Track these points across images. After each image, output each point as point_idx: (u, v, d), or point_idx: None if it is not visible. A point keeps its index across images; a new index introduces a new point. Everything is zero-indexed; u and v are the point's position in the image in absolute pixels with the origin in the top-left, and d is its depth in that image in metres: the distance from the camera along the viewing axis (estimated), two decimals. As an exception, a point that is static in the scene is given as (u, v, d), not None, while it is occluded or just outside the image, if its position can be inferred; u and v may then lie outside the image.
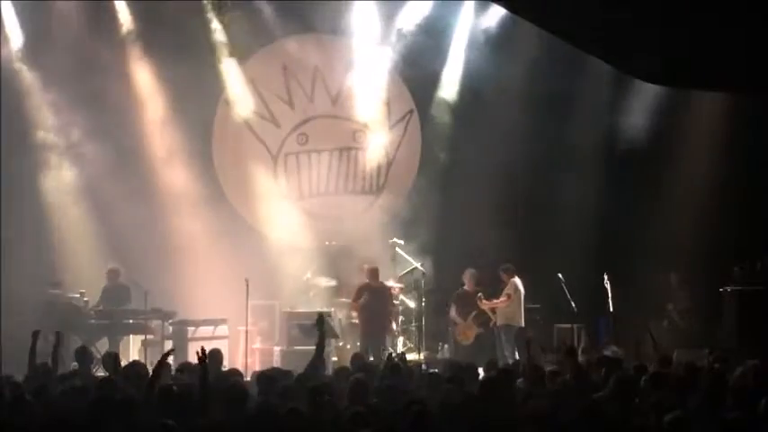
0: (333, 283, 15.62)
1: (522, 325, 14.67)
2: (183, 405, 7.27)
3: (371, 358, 13.23)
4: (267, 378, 8.60)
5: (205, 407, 7.36)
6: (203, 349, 7.86)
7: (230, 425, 7.07)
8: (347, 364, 10.78)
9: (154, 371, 8.15)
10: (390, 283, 15.43)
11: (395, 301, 15.42)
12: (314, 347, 9.87)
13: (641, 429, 7.00)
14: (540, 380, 8.97)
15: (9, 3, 15.17)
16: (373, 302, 14.47)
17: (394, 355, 11.08)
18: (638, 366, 9.57)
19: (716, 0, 11.82)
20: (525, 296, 14.90)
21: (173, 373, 9.42)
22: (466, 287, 15.14)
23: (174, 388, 7.73)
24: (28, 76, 15.21)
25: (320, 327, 9.92)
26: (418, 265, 15.61)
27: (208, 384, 7.63)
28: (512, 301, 14.68)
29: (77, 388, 8.05)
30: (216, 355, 10.15)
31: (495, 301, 14.83)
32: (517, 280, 14.76)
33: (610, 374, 8.91)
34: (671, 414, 6.67)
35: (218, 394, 7.68)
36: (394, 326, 14.98)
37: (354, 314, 14.87)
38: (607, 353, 13.41)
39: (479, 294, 14.91)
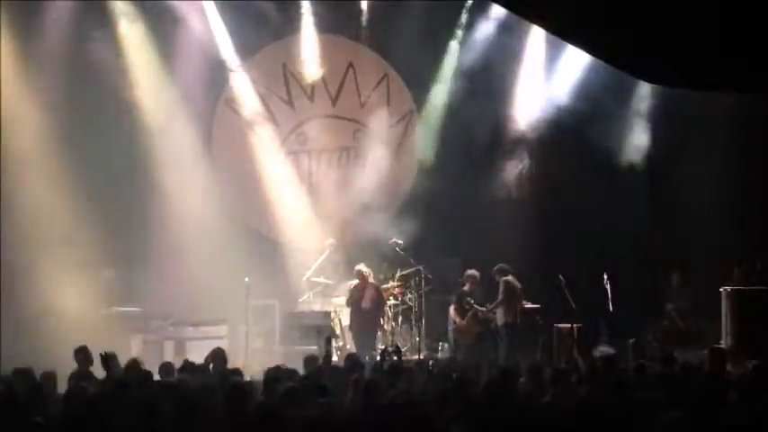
0: (332, 282, 15.62)
1: (518, 322, 14.68)
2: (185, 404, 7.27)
3: (367, 358, 13.28)
4: (270, 378, 8.60)
5: None
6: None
7: (231, 424, 7.09)
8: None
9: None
10: (390, 283, 15.47)
11: (394, 301, 15.47)
12: (314, 348, 9.95)
13: (641, 429, 6.99)
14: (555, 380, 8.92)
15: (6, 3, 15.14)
16: (361, 303, 14.53)
17: (391, 348, 11.10)
18: (639, 366, 9.59)
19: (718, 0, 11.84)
20: (525, 296, 14.90)
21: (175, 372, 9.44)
22: (466, 288, 15.13)
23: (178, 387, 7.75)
24: (20, 75, 15.16)
25: (327, 346, 10.04)
26: (418, 265, 15.62)
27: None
28: (506, 301, 14.64)
29: (79, 388, 8.05)
30: (220, 354, 10.18)
31: (488, 305, 14.83)
32: (510, 279, 14.72)
33: (608, 374, 8.95)
34: (671, 414, 6.68)
35: (220, 394, 7.69)
36: (384, 324, 14.99)
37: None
38: (601, 352, 13.50)
39: (468, 299, 14.93)
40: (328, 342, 10.10)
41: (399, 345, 13.41)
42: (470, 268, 15.27)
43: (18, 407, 7.49)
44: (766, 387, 8.08)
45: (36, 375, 8.97)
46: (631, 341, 14.62)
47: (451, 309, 15.21)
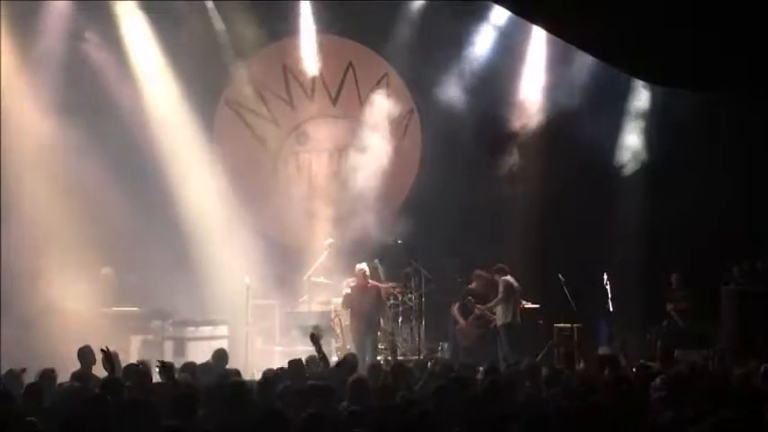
0: (332, 282, 15.61)
1: (518, 322, 14.64)
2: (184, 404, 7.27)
3: (367, 358, 13.27)
4: (268, 379, 8.60)
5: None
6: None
7: (230, 424, 7.08)
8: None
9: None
10: (390, 283, 15.46)
11: (393, 301, 15.45)
12: (313, 347, 9.96)
13: (641, 429, 6.99)
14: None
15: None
16: (362, 303, 14.48)
17: (386, 354, 11.07)
18: (640, 366, 9.59)
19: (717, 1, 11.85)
20: (525, 296, 14.89)
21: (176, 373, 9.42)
22: (472, 286, 15.09)
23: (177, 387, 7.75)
24: (20, 75, 15.12)
25: (315, 344, 10.03)
26: (419, 265, 15.62)
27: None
28: (505, 300, 14.61)
29: (81, 388, 8.05)
30: (222, 354, 10.17)
31: (488, 304, 14.81)
32: (509, 278, 14.70)
33: (608, 374, 8.95)
34: (671, 414, 6.68)
35: (219, 393, 7.70)
36: (382, 323, 14.97)
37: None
38: (602, 352, 13.49)
39: (469, 298, 14.92)
40: (315, 341, 10.05)
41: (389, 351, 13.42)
42: (469, 268, 15.28)
43: (13, 406, 7.49)
44: (766, 387, 8.08)
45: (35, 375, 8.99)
46: (618, 343, 14.59)
47: (455, 308, 15.20)
